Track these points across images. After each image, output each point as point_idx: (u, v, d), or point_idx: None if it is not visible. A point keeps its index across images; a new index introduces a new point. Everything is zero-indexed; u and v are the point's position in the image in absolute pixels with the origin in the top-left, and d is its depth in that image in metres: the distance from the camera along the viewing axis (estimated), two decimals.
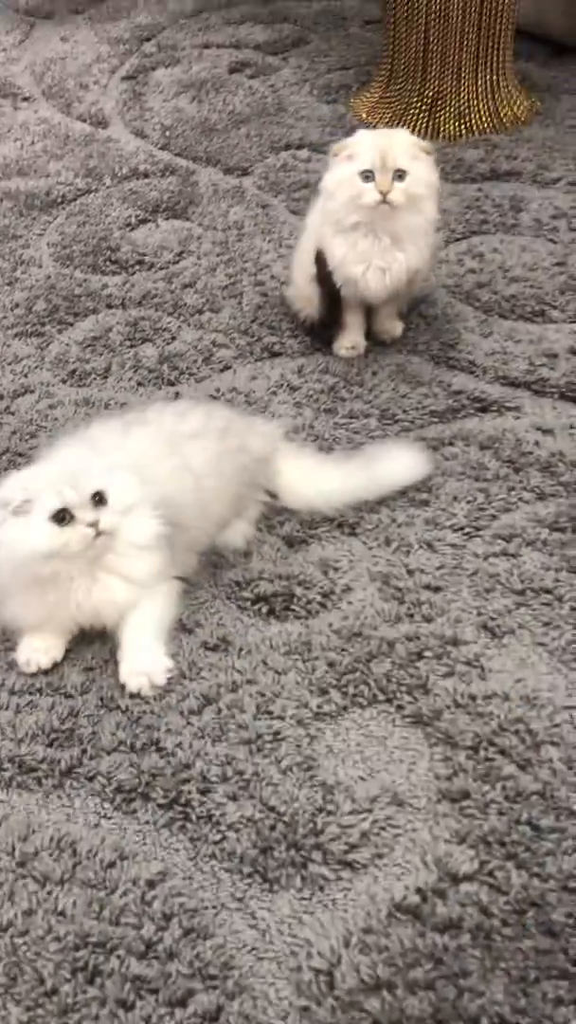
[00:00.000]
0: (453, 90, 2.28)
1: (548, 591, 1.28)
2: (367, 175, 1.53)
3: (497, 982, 0.93)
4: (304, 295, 1.72)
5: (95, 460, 1.18)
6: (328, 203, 1.59)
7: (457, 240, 1.95)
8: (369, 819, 1.06)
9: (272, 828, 1.06)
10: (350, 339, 1.70)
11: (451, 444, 1.51)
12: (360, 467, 1.39)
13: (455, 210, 2.02)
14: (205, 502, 1.27)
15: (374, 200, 1.53)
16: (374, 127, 2.29)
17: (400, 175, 1.52)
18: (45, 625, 1.21)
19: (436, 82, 2.27)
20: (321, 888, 1.01)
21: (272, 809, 1.07)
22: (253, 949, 0.97)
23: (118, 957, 0.96)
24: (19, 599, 1.20)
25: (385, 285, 1.60)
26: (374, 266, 1.58)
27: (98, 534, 1.15)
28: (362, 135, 1.57)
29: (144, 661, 1.19)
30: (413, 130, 2.28)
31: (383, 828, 1.05)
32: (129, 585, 1.20)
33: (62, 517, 1.14)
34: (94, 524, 1.14)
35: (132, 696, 1.18)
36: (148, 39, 2.80)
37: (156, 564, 1.21)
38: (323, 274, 1.64)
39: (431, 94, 2.29)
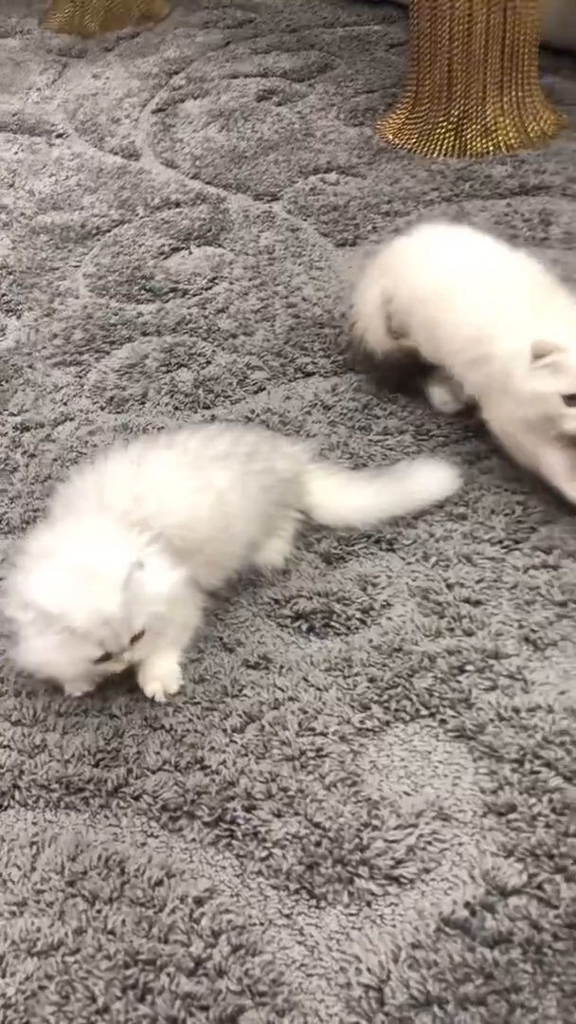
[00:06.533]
0: (479, 108, 2.29)
1: None
2: (572, 400, 1.28)
3: (550, 997, 0.92)
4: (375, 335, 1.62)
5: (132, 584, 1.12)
6: (519, 409, 1.35)
7: None
8: (415, 834, 1.06)
9: (318, 844, 1.06)
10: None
11: (487, 458, 1.51)
12: (391, 483, 1.40)
13: (484, 226, 2.03)
14: (229, 517, 1.28)
15: (575, 431, 1.30)
16: (400, 148, 2.32)
17: None
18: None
19: (462, 101, 2.29)
20: (368, 904, 1.01)
21: (317, 825, 1.07)
22: (302, 966, 0.97)
23: (168, 975, 0.97)
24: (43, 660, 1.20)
25: None
26: None
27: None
28: (574, 342, 1.28)
29: (159, 667, 1.21)
30: (440, 149, 2.32)
31: (429, 843, 1.05)
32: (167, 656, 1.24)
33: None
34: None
35: (155, 703, 1.21)
36: (177, 72, 2.86)
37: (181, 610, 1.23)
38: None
39: (457, 113, 2.30)
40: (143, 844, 1.08)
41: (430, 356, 1.53)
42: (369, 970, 0.96)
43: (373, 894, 1.02)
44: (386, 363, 1.63)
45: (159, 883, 1.04)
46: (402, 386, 1.63)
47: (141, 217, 2.22)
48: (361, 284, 1.68)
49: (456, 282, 1.47)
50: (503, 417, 1.41)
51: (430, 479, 1.41)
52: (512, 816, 1.06)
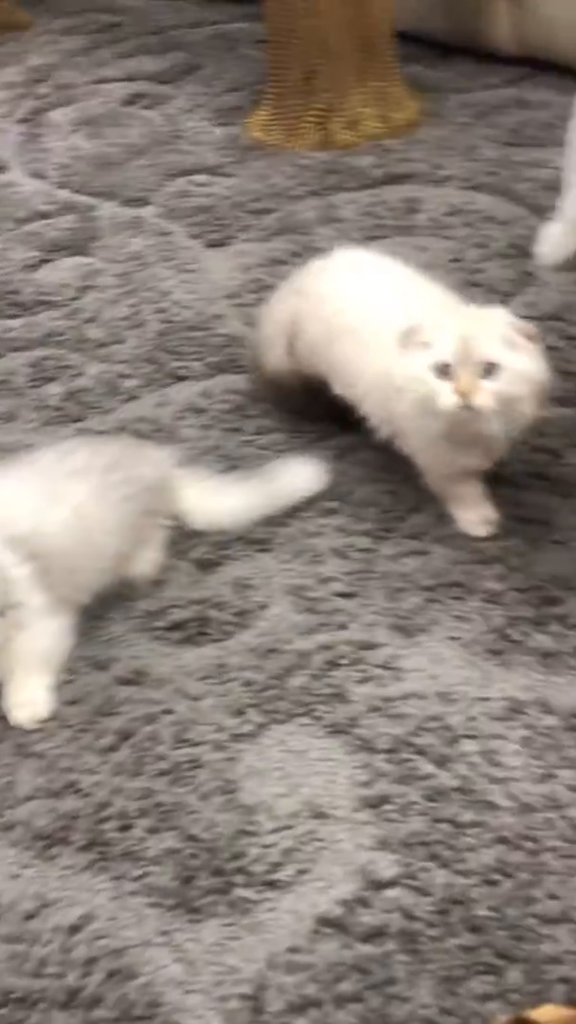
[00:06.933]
0: (342, 101, 2.30)
1: (458, 584, 1.29)
2: (443, 369, 1.21)
3: (424, 985, 0.92)
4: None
5: None
6: (399, 406, 1.28)
7: None
8: (290, 836, 1.05)
9: (194, 856, 1.04)
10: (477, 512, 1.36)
11: (359, 451, 1.51)
12: (260, 483, 1.39)
13: (351, 218, 2.04)
14: (89, 531, 1.26)
15: (452, 404, 1.19)
16: (268, 145, 2.31)
17: (489, 369, 1.19)
18: None
19: (324, 95, 2.29)
20: (246, 912, 1.00)
21: (193, 838, 1.06)
22: (180, 983, 0.95)
23: (41, 1011, 0.94)
24: None
25: None
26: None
27: None
28: (442, 317, 1.24)
29: (27, 692, 1.19)
30: (307, 143, 2.31)
31: (304, 843, 1.04)
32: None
33: None
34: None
35: (30, 731, 1.17)
36: (42, 80, 2.81)
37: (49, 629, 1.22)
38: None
39: (321, 107, 2.30)
40: (16, 876, 1.05)
41: (339, 390, 1.46)
42: (247, 980, 0.95)
43: (251, 901, 1.00)
44: (272, 384, 1.58)
45: (32, 916, 1.01)
46: (286, 404, 1.58)
47: (8, 231, 2.17)
48: (271, 300, 1.62)
49: (371, 321, 1.37)
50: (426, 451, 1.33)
51: (297, 476, 1.41)
52: (386, 807, 1.06)
